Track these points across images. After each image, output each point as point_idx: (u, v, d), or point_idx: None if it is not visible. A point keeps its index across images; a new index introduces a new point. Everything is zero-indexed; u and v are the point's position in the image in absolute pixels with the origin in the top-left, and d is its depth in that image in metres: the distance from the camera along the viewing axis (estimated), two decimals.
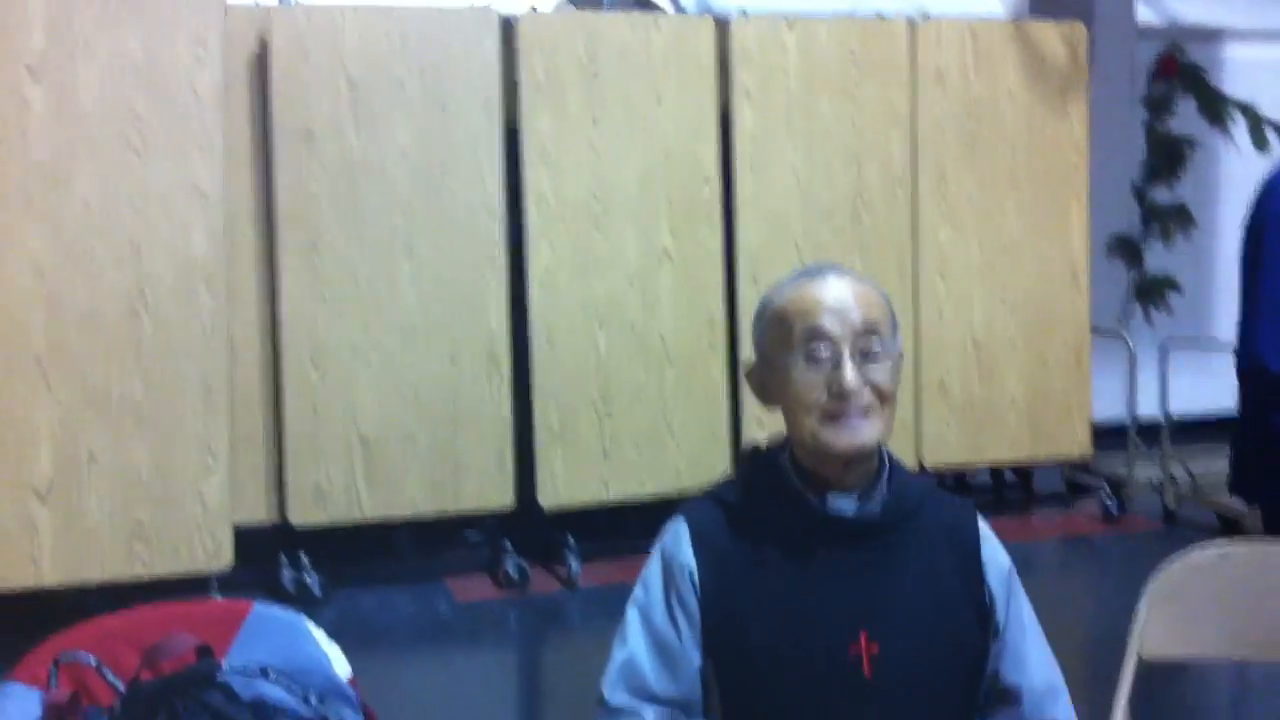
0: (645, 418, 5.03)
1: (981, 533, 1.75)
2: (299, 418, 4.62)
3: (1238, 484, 2.63)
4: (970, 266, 5.30)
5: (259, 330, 4.65)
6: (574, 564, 4.93)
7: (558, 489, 4.94)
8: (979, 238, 5.30)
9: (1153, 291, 6.58)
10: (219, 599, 2.07)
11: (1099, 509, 5.58)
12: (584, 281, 4.93)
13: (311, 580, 4.69)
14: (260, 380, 4.66)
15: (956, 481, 5.89)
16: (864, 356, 1.63)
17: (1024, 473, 5.91)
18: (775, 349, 1.69)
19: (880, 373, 1.64)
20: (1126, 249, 6.51)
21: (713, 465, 5.14)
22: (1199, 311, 6.65)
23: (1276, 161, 2.45)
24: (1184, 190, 6.58)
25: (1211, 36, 6.55)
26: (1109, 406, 5.93)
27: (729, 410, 5.13)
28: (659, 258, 5.00)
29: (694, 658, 1.67)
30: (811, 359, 1.64)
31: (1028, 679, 1.73)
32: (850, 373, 1.62)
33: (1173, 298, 6.57)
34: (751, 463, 1.78)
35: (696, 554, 1.68)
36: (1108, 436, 5.90)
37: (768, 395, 1.73)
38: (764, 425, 5.13)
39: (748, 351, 5.60)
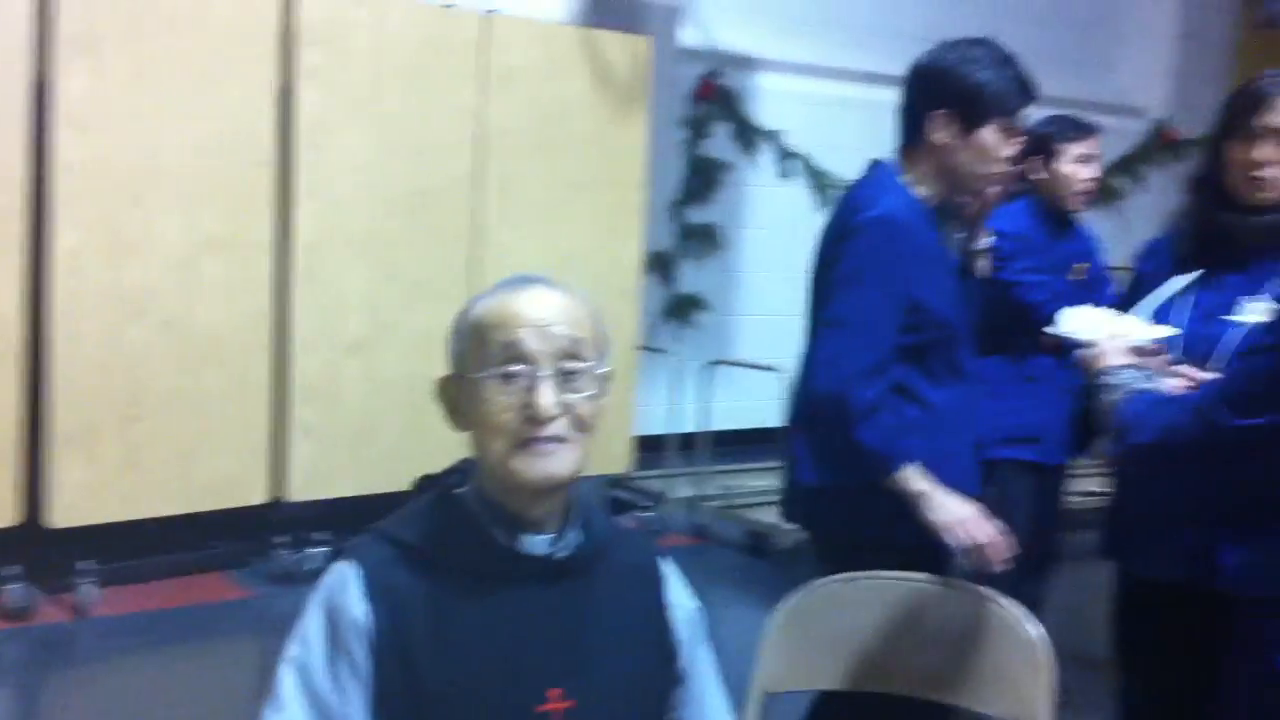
0: (181, 425, 4.66)
1: (667, 573, 1.72)
2: None
3: (789, 509, 2.70)
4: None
5: None
6: (89, 591, 4.49)
7: (73, 504, 4.46)
8: (541, 245, 5.37)
9: (683, 309, 7.02)
10: None
11: (635, 525, 5.83)
12: (115, 267, 4.48)
13: None
14: None
15: None
16: (564, 379, 1.55)
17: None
18: (469, 365, 1.57)
19: (581, 398, 1.56)
20: (661, 266, 6.88)
21: (255, 481, 4.87)
22: (724, 331, 7.13)
23: (856, 182, 2.64)
24: (715, 212, 7.06)
25: (747, 64, 7.05)
26: (641, 422, 6.21)
27: (274, 419, 4.88)
28: (205, 244, 4.66)
29: None
30: (507, 378, 1.54)
31: None
32: (547, 396, 1.53)
33: (700, 316, 7.03)
34: (431, 495, 1.64)
35: (372, 605, 1.52)
36: (642, 451, 6.18)
37: (458, 416, 1.61)
38: (312, 434, 4.92)
39: (299, 352, 5.36)
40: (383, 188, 5.00)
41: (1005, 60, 2.49)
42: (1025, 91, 2.48)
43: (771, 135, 7.14)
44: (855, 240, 2.44)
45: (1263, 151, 2.36)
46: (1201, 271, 2.45)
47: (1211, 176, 2.45)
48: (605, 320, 1.64)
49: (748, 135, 7.10)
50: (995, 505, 3.77)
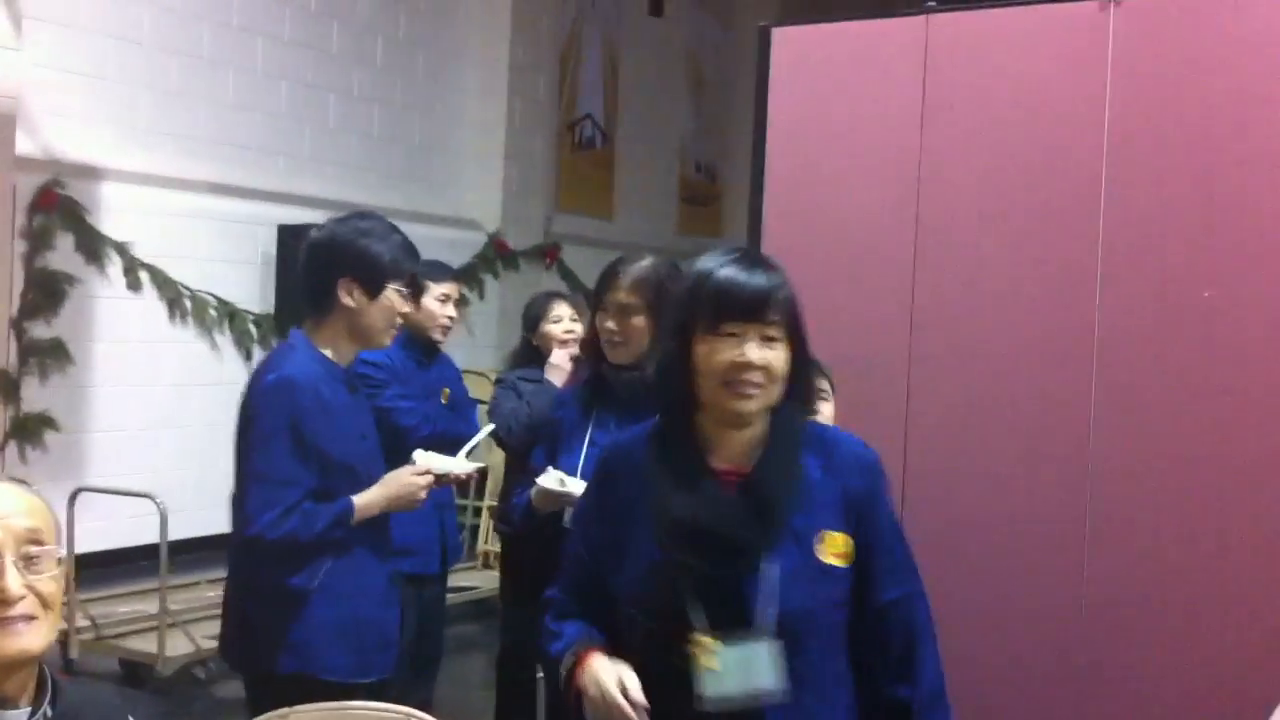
0: None
1: None
2: None
3: (231, 649, 3.02)
4: None
5: None
6: None
7: None
8: None
9: (30, 430, 6.74)
10: None
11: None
12: None
13: None
14: None
15: None
16: (27, 563, 1.72)
17: None
18: None
19: (45, 578, 1.74)
20: (3, 386, 6.58)
21: None
22: (76, 450, 6.93)
23: (276, 357, 2.99)
24: (61, 327, 6.87)
25: (91, 173, 6.96)
26: None
27: None
28: None
29: None
30: None
31: None
32: (13, 579, 1.70)
33: (49, 436, 6.79)
34: None
35: None
36: None
37: None
38: None
39: None
40: None
41: (392, 229, 2.96)
42: (414, 255, 2.97)
43: (120, 246, 7.08)
44: (262, 401, 2.79)
45: (609, 323, 2.95)
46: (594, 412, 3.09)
47: (595, 339, 3.02)
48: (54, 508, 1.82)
49: (93, 246, 6.99)
50: None
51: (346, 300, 2.84)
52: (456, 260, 7.89)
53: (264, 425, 2.76)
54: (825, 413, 3.63)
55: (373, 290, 2.84)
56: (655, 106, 11.25)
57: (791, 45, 3.93)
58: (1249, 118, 3.45)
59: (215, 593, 6.58)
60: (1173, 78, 3.53)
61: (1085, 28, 3.56)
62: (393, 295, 2.88)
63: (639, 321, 2.97)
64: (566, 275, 9.94)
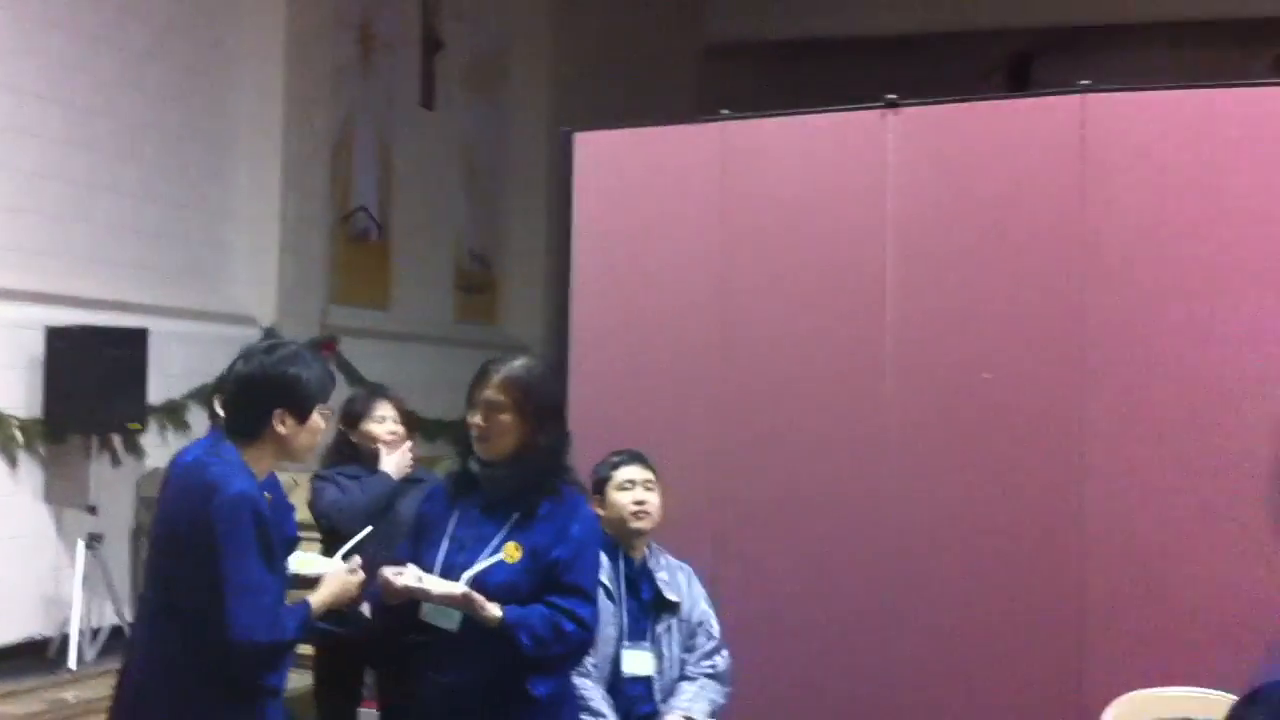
0: None
1: None
2: None
3: None
4: None
5: None
6: None
7: None
8: None
9: None
10: None
11: None
12: None
13: None
14: None
15: None
16: None
17: None
18: None
19: None
20: None
21: None
22: None
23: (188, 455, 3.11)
24: None
25: None
26: None
27: None
28: None
29: None
30: None
31: None
32: None
33: None
34: None
35: None
36: None
37: None
38: None
39: None
40: None
41: (314, 355, 3.21)
42: (332, 377, 3.20)
43: None
44: (229, 513, 2.95)
45: (476, 418, 3.12)
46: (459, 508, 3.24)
47: (466, 434, 3.20)
48: None
49: None
50: None
51: (279, 428, 3.05)
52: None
53: (238, 536, 2.93)
54: (653, 503, 3.83)
55: (301, 416, 3.07)
56: (429, 197, 11.39)
57: (593, 149, 4.19)
58: (1014, 212, 3.85)
59: (9, 708, 6.35)
60: (945, 176, 3.92)
61: (866, 133, 3.93)
62: (318, 418, 3.11)
63: (505, 419, 3.13)
64: (344, 367, 9.93)
